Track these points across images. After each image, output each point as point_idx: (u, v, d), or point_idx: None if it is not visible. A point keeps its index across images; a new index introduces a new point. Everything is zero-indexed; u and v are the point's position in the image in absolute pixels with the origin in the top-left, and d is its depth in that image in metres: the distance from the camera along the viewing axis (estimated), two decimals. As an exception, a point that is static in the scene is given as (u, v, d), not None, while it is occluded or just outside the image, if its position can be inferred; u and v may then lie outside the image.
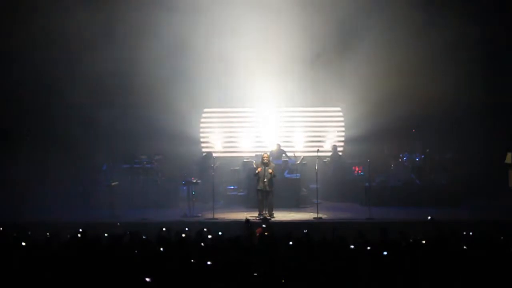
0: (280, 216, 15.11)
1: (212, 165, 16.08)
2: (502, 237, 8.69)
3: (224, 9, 17.52)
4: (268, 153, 15.79)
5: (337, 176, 18.04)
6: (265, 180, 14.91)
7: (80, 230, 9.82)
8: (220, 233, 9.84)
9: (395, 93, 16.93)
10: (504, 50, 17.70)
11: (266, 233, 9.90)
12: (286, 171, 17.13)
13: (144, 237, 9.17)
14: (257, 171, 15.06)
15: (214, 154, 17.63)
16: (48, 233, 9.59)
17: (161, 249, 8.02)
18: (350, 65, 17.59)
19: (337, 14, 17.08)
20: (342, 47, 17.82)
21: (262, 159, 15.16)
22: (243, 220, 11.57)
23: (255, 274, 6.88)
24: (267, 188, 14.95)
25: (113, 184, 15.56)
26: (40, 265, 7.40)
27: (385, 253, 7.65)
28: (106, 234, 9.66)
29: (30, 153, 17.03)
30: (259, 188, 15.04)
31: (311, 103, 19.28)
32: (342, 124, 19.31)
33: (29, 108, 17.46)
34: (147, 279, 6.75)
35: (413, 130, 18.71)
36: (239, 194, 17.36)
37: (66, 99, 17.25)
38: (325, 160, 18.07)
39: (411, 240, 8.76)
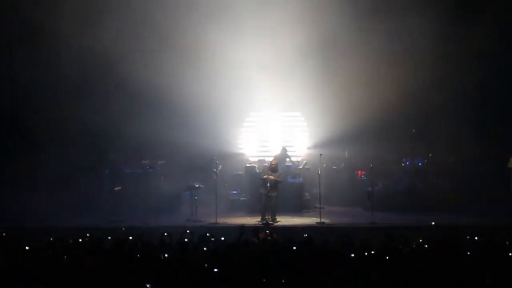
0: (283, 220, 15.09)
1: (215, 169, 16.08)
2: (507, 242, 8.66)
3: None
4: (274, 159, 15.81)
5: (348, 181, 18.10)
6: (268, 184, 14.92)
7: (83, 235, 9.83)
8: (222, 238, 9.83)
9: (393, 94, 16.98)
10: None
11: (269, 238, 9.88)
12: (289, 176, 17.12)
13: (146, 241, 9.16)
14: (264, 176, 15.09)
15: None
16: (51, 238, 9.59)
17: (163, 253, 8.01)
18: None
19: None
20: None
21: (270, 165, 15.19)
22: (245, 225, 11.55)
23: (259, 280, 6.87)
24: (270, 193, 14.95)
25: (116, 189, 15.57)
26: (43, 269, 7.40)
27: (387, 257, 7.64)
28: (109, 237, 9.66)
29: (33, 157, 17.04)
30: (262, 192, 15.05)
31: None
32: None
33: (39, 111, 17.48)
34: (148, 286, 6.75)
35: (413, 130, 18.71)
36: (242, 199, 17.35)
37: (70, 103, 17.31)
38: (334, 167, 18.16)
39: (414, 245, 8.74)
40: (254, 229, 11.24)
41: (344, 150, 18.58)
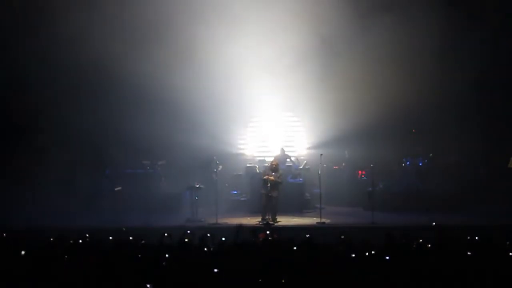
0: (283, 221, 15.10)
1: (215, 169, 16.08)
2: (508, 242, 8.65)
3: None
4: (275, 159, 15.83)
5: (348, 181, 18.10)
6: (269, 184, 14.93)
7: (83, 235, 9.82)
8: (223, 238, 9.81)
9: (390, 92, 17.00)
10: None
11: (269, 238, 9.87)
12: (289, 176, 17.12)
13: (146, 242, 9.15)
14: (264, 177, 15.10)
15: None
16: (51, 238, 9.58)
17: (164, 254, 8.00)
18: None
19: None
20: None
21: (271, 165, 15.19)
22: (246, 225, 11.55)
23: (260, 280, 6.86)
24: (270, 193, 14.95)
25: (116, 189, 15.58)
26: (43, 269, 7.40)
27: (387, 257, 7.63)
28: (110, 238, 9.65)
29: (33, 157, 17.05)
30: (263, 192, 15.06)
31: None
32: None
33: (39, 112, 17.48)
34: (148, 286, 6.75)
35: (413, 130, 18.71)
36: (242, 199, 17.36)
37: (70, 103, 17.34)
38: (335, 167, 18.17)
39: (414, 245, 8.73)
40: (253, 229, 11.23)
41: (344, 150, 18.60)
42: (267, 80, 17.96)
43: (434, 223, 12.32)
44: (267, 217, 14.92)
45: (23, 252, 8.29)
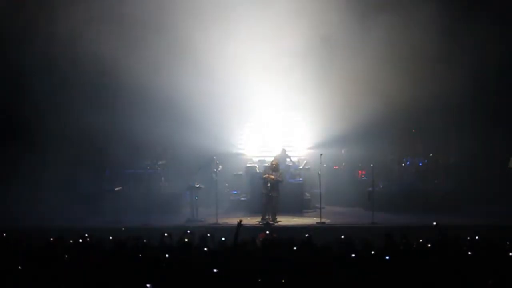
0: (284, 221, 15.10)
1: (215, 169, 16.07)
2: (508, 243, 8.65)
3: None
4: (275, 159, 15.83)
5: (348, 181, 18.11)
6: (268, 184, 14.93)
7: (83, 235, 9.83)
8: (223, 238, 9.81)
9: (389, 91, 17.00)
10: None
11: (269, 238, 9.87)
12: (289, 176, 17.11)
13: (146, 242, 9.16)
14: (264, 176, 15.10)
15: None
16: (51, 238, 9.59)
17: (164, 254, 8.01)
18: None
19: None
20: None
21: (271, 164, 15.20)
22: (246, 225, 11.53)
23: (260, 280, 6.87)
24: (270, 193, 14.95)
25: (116, 189, 15.58)
26: (43, 269, 7.40)
27: (387, 257, 7.63)
28: (110, 237, 9.66)
29: (33, 157, 17.04)
30: (263, 191, 15.07)
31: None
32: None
33: (39, 112, 17.46)
34: (148, 286, 6.75)
35: (413, 130, 18.71)
36: (242, 199, 17.36)
37: (70, 102, 17.33)
38: (335, 167, 18.18)
39: (414, 245, 8.74)
40: (253, 229, 11.24)
41: (341, 149, 18.58)
42: (267, 80, 17.94)
43: (434, 223, 12.31)
44: (267, 217, 14.92)
45: (23, 252, 8.30)
